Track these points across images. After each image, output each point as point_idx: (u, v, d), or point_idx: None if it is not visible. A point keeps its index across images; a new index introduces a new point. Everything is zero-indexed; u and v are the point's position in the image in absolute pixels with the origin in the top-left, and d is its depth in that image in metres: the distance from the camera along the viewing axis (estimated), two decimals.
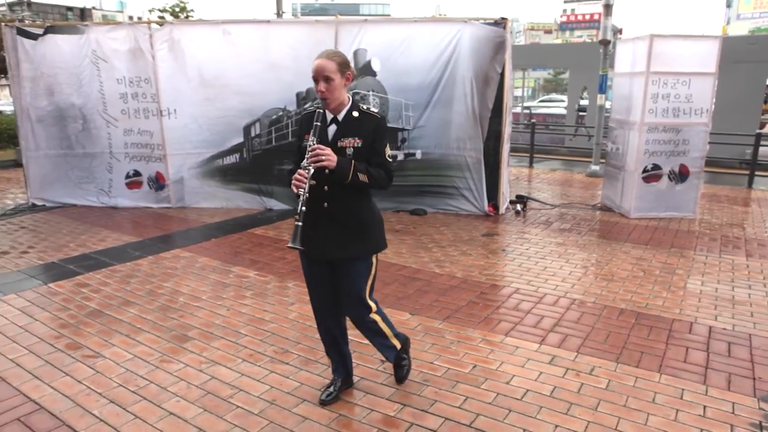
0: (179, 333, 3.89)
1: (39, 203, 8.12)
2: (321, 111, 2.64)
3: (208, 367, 3.41)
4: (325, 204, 2.70)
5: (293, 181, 2.59)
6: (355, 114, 2.72)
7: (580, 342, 3.72)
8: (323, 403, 2.98)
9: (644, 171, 7.26)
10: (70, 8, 66.00)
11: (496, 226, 6.90)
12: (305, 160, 2.57)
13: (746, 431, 2.76)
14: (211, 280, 4.99)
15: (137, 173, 8.03)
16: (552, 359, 3.48)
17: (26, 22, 11.62)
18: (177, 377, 3.29)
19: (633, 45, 7.49)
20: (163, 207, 7.88)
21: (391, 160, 2.78)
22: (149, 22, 8.03)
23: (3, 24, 8.02)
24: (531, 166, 12.07)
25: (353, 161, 2.64)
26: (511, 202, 8.02)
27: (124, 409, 2.96)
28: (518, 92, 23.60)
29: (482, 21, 7.17)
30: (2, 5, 47.24)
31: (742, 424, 2.82)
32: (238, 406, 2.97)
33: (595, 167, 10.68)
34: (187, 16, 23.53)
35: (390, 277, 4.98)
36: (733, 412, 2.91)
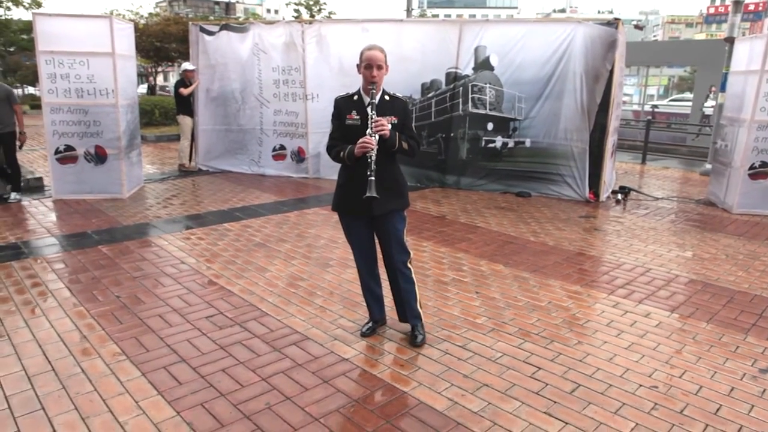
0: (322, 261, 5.12)
1: (204, 168, 9.92)
2: (373, 91, 3.18)
3: (345, 283, 4.58)
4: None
5: (361, 145, 3.11)
6: (386, 98, 3.31)
7: (644, 296, 4.42)
8: (364, 335, 3.59)
9: (751, 168, 7.46)
10: (217, 2, 72.42)
11: (595, 211, 7.51)
12: (369, 129, 3.11)
13: (765, 364, 3.39)
14: None
15: (282, 147, 9.55)
16: (615, 305, 4.24)
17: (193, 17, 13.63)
18: (323, 287, 4.49)
19: (750, 43, 7.68)
20: (302, 176, 9.33)
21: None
22: (302, 21, 9.48)
23: (190, 23, 9.88)
24: (643, 162, 12.22)
25: (397, 132, 3.24)
26: (612, 192, 8.52)
27: (289, 300, 4.20)
28: (650, 90, 22.99)
29: (595, 21, 7.76)
30: (162, 1, 53.02)
31: (766, 360, 3.44)
32: None
33: (708, 166, 10.67)
34: (319, 9, 25.51)
35: (491, 240, 5.90)
36: (762, 353, 3.53)
